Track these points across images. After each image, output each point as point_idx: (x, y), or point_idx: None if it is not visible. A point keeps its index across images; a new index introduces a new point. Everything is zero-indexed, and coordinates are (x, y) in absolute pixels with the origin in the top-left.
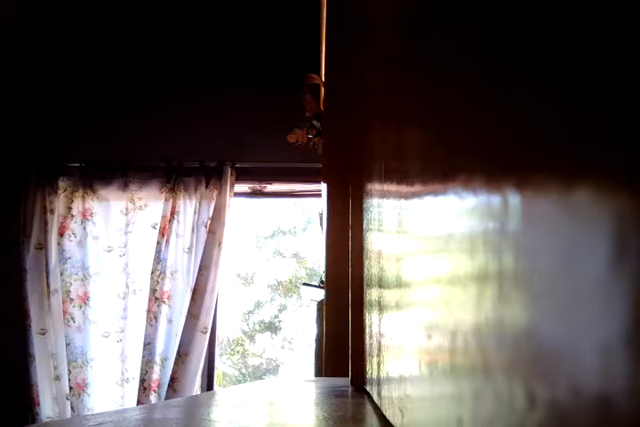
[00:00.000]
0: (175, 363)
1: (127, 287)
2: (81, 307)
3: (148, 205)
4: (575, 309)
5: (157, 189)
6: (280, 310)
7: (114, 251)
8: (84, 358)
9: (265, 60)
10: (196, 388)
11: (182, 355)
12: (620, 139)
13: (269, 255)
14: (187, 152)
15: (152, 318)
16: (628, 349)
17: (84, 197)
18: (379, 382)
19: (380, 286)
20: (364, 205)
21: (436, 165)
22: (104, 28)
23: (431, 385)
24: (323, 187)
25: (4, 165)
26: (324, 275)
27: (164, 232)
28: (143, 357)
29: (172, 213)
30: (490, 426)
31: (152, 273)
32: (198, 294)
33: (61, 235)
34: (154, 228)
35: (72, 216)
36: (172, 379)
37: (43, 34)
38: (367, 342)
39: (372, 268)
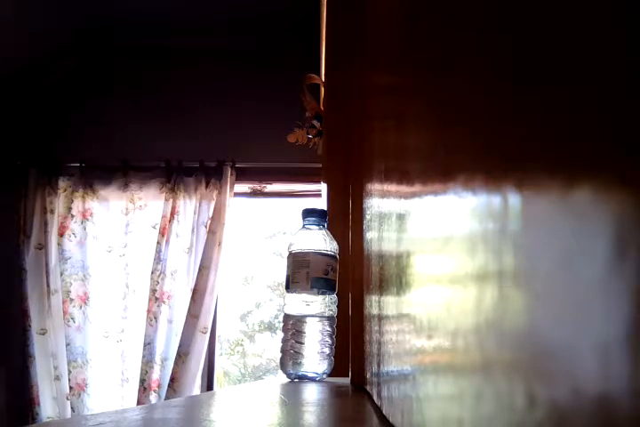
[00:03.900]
0: (175, 363)
1: (127, 287)
2: (81, 307)
3: (148, 205)
4: (575, 308)
5: (157, 189)
6: (279, 311)
7: (114, 251)
8: (84, 358)
9: (265, 60)
10: (195, 388)
11: (182, 355)
12: (621, 137)
13: (269, 255)
14: (187, 152)
15: (152, 318)
16: (629, 349)
17: (83, 197)
18: (379, 382)
19: (380, 285)
20: (364, 205)
21: (436, 165)
22: (103, 26)
23: (431, 385)
24: (323, 187)
25: (4, 165)
26: None
27: (163, 232)
28: (143, 357)
29: (172, 214)
30: (490, 426)
31: (152, 273)
32: (198, 294)
33: (61, 235)
34: (154, 228)
35: (72, 216)
36: (172, 379)
37: (43, 32)
38: (367, 341)
39: (371, 267)
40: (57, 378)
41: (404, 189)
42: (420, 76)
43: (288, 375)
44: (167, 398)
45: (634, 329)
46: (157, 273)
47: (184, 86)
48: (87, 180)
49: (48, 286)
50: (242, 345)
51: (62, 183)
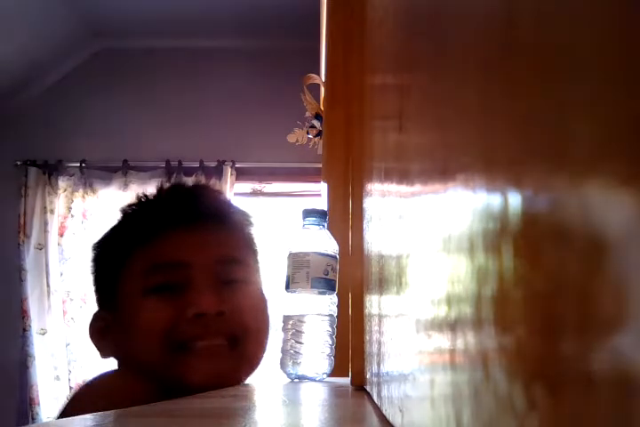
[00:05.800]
0: None
1: None
2: (81, 307)
3: None
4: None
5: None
6: (279, 311)
7: None
8: (83, 358)
9: (265, 60)
10: None
11: None
12: (622, 137)
13: (269, 255)
14: (186, 152)
15: None
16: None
17: (84, 197)
18: (379, 382)
19: (380, 285)
20: (364, 205)
21: (436, 165)
22: (103, 26)
23: (431, 385)
24: (323, 187)
25: (4, 165)
26: None
27: None
28: None
29: None
30: (490, 426)
31: None
32: None
33: (61, 235)
34: None
35: (72, 216)
36: None
37: (43, 33)
38: (367, 341)
39: (371, 267)
40: (57, 378)
41: (404, 189)
42: (420, 76)
43: (288, 375)
44: None
45: (633, 327)
46: None
47: (184, 86)
48: (87, 180)
49: (48, 286)
50: None
51: (62, 183)
